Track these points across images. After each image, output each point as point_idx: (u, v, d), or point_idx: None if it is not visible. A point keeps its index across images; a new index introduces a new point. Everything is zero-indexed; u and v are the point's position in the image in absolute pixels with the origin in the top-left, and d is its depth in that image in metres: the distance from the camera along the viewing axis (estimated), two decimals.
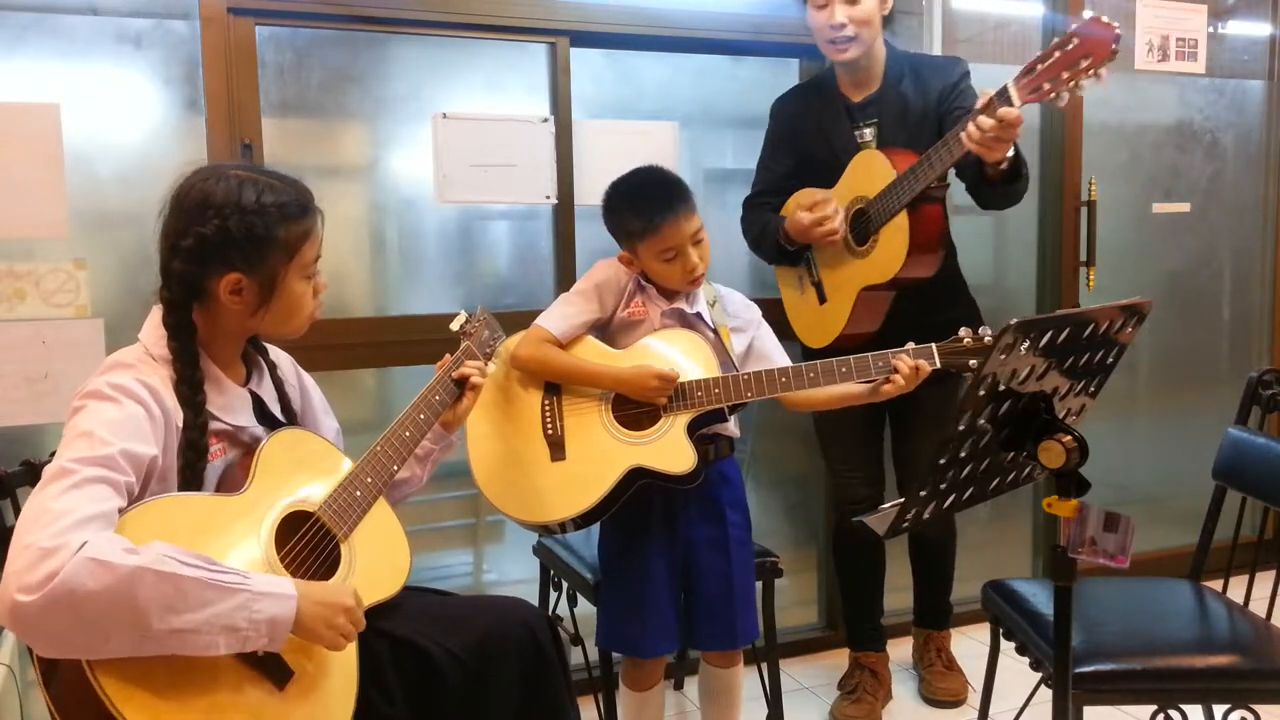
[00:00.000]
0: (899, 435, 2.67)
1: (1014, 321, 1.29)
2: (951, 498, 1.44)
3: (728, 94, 2.91)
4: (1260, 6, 3.58)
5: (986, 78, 3.12)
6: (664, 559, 2.01)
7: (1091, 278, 3.18)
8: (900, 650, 2.86)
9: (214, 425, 1.44)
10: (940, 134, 2.38)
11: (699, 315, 2.02)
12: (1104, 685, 1.79)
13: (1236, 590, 2.11)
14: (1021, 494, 3.29)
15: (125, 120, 2.31)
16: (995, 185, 2.26)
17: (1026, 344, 1.33)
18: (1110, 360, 1.51)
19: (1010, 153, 2.15)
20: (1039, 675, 1.95)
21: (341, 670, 1.39)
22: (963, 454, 1.39)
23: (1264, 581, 2.14)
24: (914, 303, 2.40)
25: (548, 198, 2.65)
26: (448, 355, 1.76)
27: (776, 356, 2.08)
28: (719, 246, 2.58)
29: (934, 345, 1.90)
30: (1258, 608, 2.06)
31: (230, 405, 1.49)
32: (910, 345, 1.90)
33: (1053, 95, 1.99)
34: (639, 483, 1.93)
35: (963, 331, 1.90)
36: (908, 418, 2.60)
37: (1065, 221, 3.19)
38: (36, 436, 2.24)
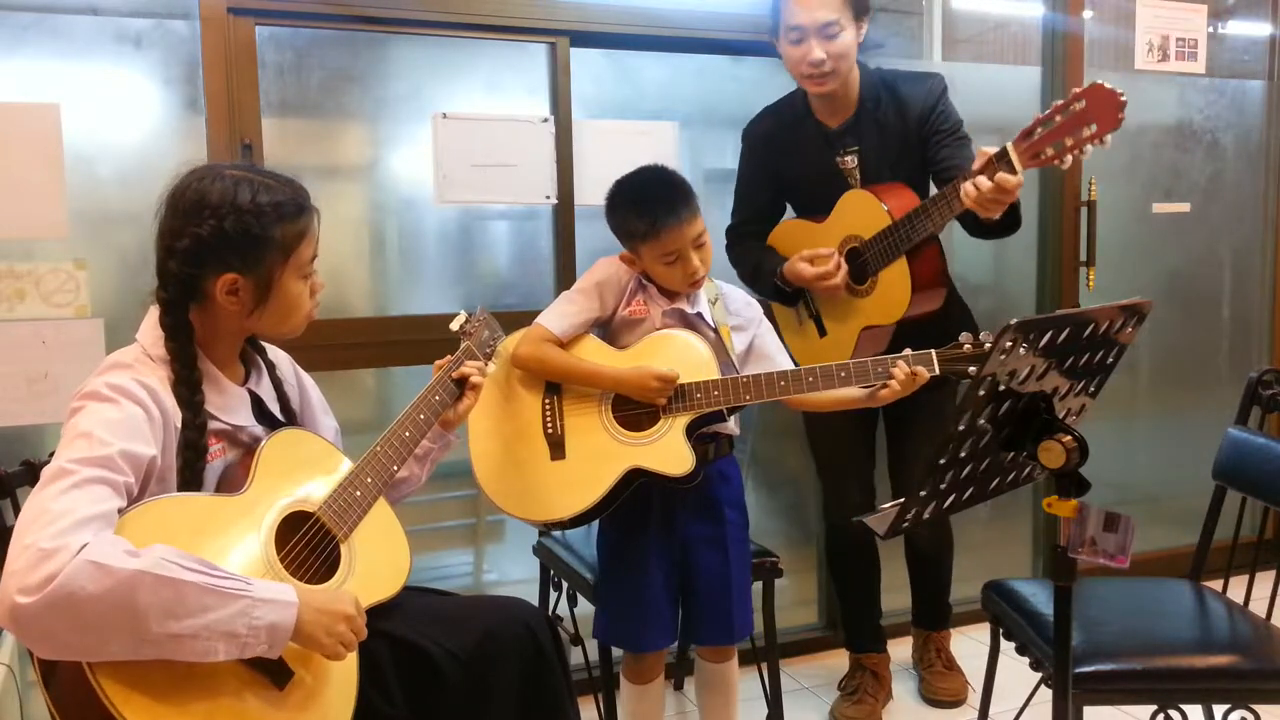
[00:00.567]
0: (894, 440, 2.66)
1: (1014, 322, 1.29)
2: (951, 498, 1.44)
3: (728, 94, 2.90)
4: (1260, 6, 3.58)
5: (987, 77, 3.15)
6: (662, 556, 2.01)
7: (1091, 278, 3.18)
8: (900, 650, 2.86)
9: (213, 425, 1.44)
10: (923, 157, 2.38)
11: (700, 315, 2.02)
12: (1104, 685, 1.79)
13: (1236, 590, 2.11)
14: (1021, 494, 3.29)
15: (125, 120, 2.31)
16: (990, 228, 2.23)
17: (1026, 344, 1.33)
18: (1110, 360, 1.51)
19: None
20: (1039, 675, 1.95)
21: (341, 671, 1.39)
22: (962, 454, 1.39)
23: (1264, 581, 2.14)
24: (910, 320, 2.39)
25: (548, 198, 2.65)
26: (448, 356, 1.76)
27: (777, 355, 2.09)
28: (720, 246, 2.59)
29: (933, 351, 1.90)
30: (1258, 608, 2.06)
31: (229, 405, 1.48)
32: (908, 351, 1.90)
33: (1056, 161, 1.97)
34: (637, 482, 1.93)
35: (963, 337, 1.89)
36: (903, 423, 2.59)
37: (1065, 221, 3.19)
38: (36, 436, 2.24)
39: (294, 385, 1.68)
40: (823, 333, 2.50)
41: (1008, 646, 2.05)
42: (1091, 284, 3.19)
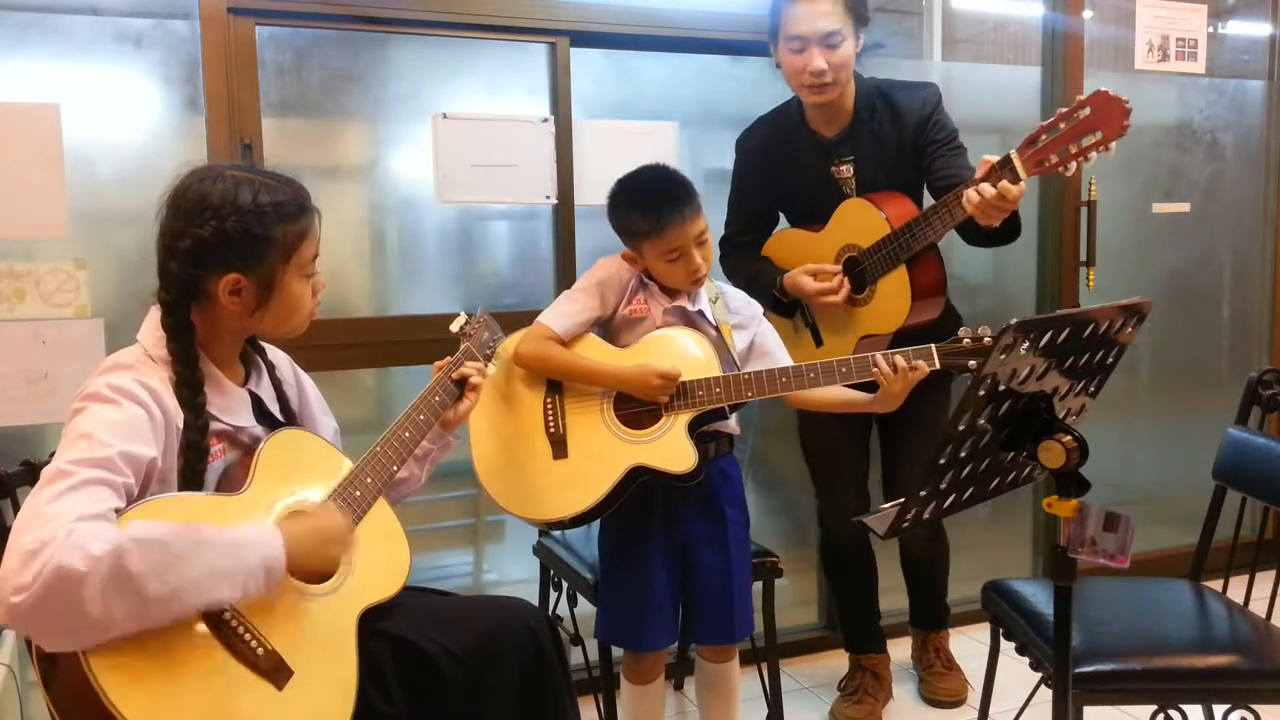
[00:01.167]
0: (887, 447, 2.64)
1: (1014, 321, 1.29)
2: (952, 498, 1.44)
3: (728, 94, 2.91)
4: (1260, 6, 3.58)
5: (986, 78, 3.15)
6: (663, 555, 2.01)
7: (1091, 278, 3.18)
8: (900, 650, 2.86)
9: (214, 426, 1.44)
10: (918, 167, 2.38)
11: (701, 313, 2.03)
12: (1104, 685, 1.79)
13: (1236, 590, 2.11)
14: (1021, 494, 3.29)
15: (125, 120, 2.31)
16: (990, 236, 2.23)
17: (1026, 344, 1.33)
18: (1110, 360, 1.51)
19: None
20: (1039, 675, 1.95)
21: (341, 670, 1.39)
22: (962, 454, 1.39)
23: (1264, 581, 2.14)
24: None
25: (548, 198, 2.65)
26: (448, 357, 1.76)
27: (778, 352, 2.09)
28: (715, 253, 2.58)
29: (933, 346, 1.90)
30: (1258, 608, 2.06)
31: (230, 406, 1.49)
32: (908, 349, 1.90)
33: (1060, 168, 1.97)
34: (639, 480, 1.93)
35: (962, 332, 1.90)
36: (896, 430, 2.57)
37: (1065, 221, 3.19)
38: (36, 436, 2.24)
39: (293, 385, 1.68)
40: (819, 343, 2.50)
41: (1008, 646, 2.06)
42: (1091, 284, 3.19)
